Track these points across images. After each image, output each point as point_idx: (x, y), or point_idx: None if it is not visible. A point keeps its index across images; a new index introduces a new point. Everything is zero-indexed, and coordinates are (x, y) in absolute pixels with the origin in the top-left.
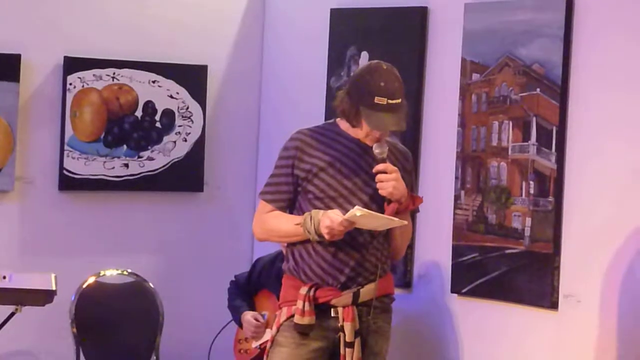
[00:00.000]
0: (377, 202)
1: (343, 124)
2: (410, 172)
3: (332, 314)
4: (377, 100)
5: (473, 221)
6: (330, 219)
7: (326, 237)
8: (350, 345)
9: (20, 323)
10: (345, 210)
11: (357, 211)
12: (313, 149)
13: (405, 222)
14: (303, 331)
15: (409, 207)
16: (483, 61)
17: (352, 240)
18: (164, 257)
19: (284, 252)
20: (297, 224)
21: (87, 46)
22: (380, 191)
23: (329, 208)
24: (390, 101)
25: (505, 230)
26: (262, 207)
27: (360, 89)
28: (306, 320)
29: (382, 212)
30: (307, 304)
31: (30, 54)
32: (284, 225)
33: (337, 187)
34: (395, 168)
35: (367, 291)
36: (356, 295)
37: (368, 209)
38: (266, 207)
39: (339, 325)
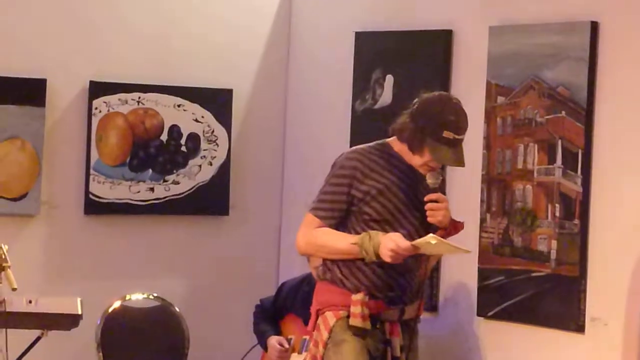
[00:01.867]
0: (425, 228)
1: (397, 146)
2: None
3: (378, 327)
4: (446, 134)
5: (499, 244)
6: (396, 243)
7: (388, 259)
8: (397, 359)
9: (46, 347)
10: (395, 231)
11: (432, 239)
12: (371, 171)
13: (470, 250)
14: (359, 334)
15: (451, 232)
16: (508, 84)
17: (413, 260)
18: (189, 281)
19: (320, 267)
20: (354, 244)
21: (113, 70)
22: (429, 219)
23: (384, 230)
24: (456, 136)
25: (531, 253)
26: (310, 222)
27: (430, 119)
28: (366, 324)
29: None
30: (364, 308)
31: (56, 79)
32: (338, 243)
33: (393, 211)
34: (446, 198)
35: (412, 309)
36: (402, 312)
37: (418, 233)
38: (315, 222)
39: (386, 337)
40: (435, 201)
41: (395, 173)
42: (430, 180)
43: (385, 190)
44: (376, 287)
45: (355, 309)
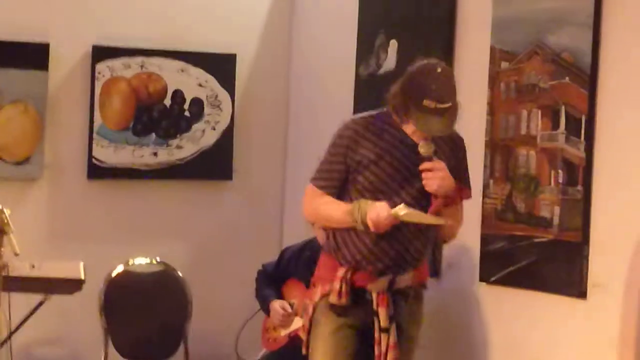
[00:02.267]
0: (426, 196)
1: (396, 115)
2: (462, 159)
3: (368, 298)
4: (426, 103)
5: (502, 210)
6: (376, 213)
7: (372, 228)
8: (385, 330)
9: (49, 311)
10: (393, 203)
11: (401, 210)
12: (365, 140)
13: (444, 222)
14: (338, 312)
15: (456, 200)
16: (512, 49)
17: (396, 231)
18: (192, 245)
19: (323, 232)
20: (346, 212)
21: (116, 35)
22: (426, 187)
23: (377, 200)
24: (439, 105)
25: (534, 219)
26: (312, 192)
27: (412, 89)
28: (342, 301)
29: (430, 204)
30: (344, 285)
31: (59, 43)
32: (334, 212)
33: (387, 180)
34: (442, 165)
35: (403, 279)
36: (392, 282)
37: (417, 202)
38: (317, 192)
39: (374, 309)
40: (431, 170)
41: (390, 142)
42: (422, 149)
43: (378, 160)
44: (364, 258)
45: (336, 285)
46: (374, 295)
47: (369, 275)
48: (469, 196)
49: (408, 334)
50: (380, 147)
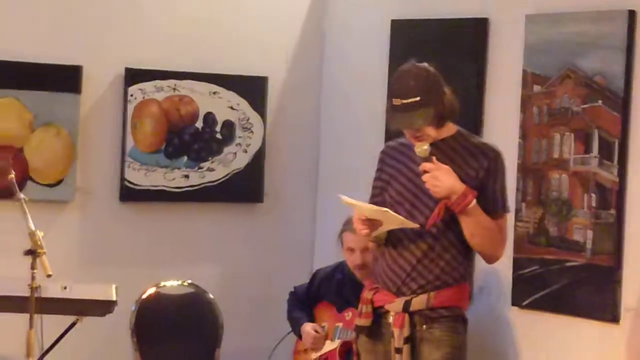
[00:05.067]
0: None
1: None
2: (491, 171)
3: (390, 320)
4: (394, 102)
5: (534, 234)
6: (354, 216)
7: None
8: (399, 351)
9: (80, 333)
10: (411, 217)
11: (377, 211)
12: (391, 159)
13: (415, 225)
14: (367, 334)
15: (461, 203)
16: (544, 73)
17: (414, 247)
18: (223, 268)
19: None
20: None
21: (148, 58)
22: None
23: (398, 213)
24: (403, 101)
25: (566, 243)
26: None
27: (387, 94)
28: (361, 322)
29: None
30: (365, 306)
31: (92, 66)
32: None
33: (404, 193)
34: (440, 166)
35: (421, 300)
36: (407, 303)
37: (432, 210)
38: None
39: (391, 330)
40: (428, 171)
41: (409, 156)
42: (417, 150)
43: (398, 175)
44: (387, 277)
45: (360, 307)
46: (392, 315)
47: (389, 295)
48: (473, 195)
49: (427, 357)
50: (401, 162)
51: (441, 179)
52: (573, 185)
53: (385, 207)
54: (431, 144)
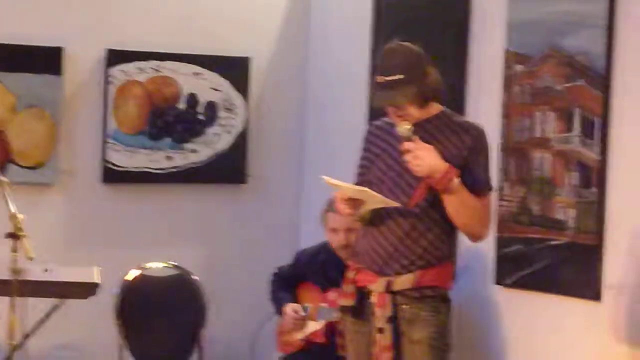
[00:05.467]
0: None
1: None
2: (474, 150)
3: (373, 300)
4: (378, 79)
5: (517, 213)
6: (337, 194)
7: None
8: (381, 330)
9: (63, 316)
10: (394, 195)
11: (357, 190)
12: (375, 137)
13: (396, 204)
14: (352, 314)
15: (443, 181)
16: (527, 52)
17: (395, 226)
18: (207, 249)
19: None
20: None
21: (130, 39)
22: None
23: (381, 192)
24: (387, 78)
25: (549, 222)
26: None
27: (372, 73)
28: (343, 301)
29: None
30: (348, 286)
31: (73, 47)
32: None
33: (387, 172)
34: (421, 145)
35: (403, 280)
36: (390, 283)
37: (414, 191)
38: None
39: (373, 310)
40: (410, 150)
41: (392, 139)
42: (398, 129)
43: (382, 154)
44: (368, 257)
45: (344, 287)
46: (375, 295)
47: (371, 275)
48: (453, 174)
49: (412, 337)
50: (385, 142)
51: (423, 158)
52: (555, 164)
53: (369, 186)
54: (415, 124)
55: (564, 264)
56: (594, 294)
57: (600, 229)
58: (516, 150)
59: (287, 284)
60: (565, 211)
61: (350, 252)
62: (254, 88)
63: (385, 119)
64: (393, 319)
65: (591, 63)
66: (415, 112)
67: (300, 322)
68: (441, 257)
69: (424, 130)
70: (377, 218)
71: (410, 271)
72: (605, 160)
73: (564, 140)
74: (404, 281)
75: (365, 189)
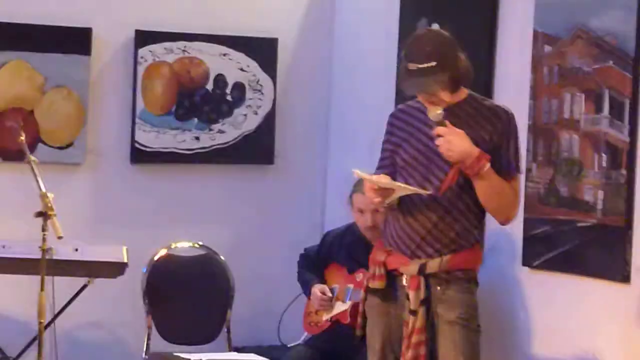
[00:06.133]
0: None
1: None
2: (505, 134)
3: (404, 282)
4: (410, 66)
5: (545, 194)
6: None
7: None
8: (414, 313)
9: (92, 295)
10: (426, 180)
11: (380, 179)
12: (401, 122)
13: (427, 192)
14: (380, 296)
15: (475, 167)
16: (555, 33)
17: (429, 211)
18: (234, 229)
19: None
20: None
21: (158, 19)
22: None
23: (411, 177)
24: (419, 66)
25: (577, 204)
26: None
27: (402, 59)
28: (375, 284)
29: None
30: (378, 268)
31: (102, 28)
32: None
33: (418, 157)
34: (453, 130)
35: (436, 263)
36: (423, 266)
37: (446, 175)
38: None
39: (406, 292)
40: (442, 135)
41: (420, 123)
42: (430, 114)
43: (410, 139)
44: (400, 240)
45: (373, 269)
46: (406, 279)
47: (403, 258)
48: (487, 159)
49: (445, 318)
50: (413, 126)
51: (455, 144)
52: (584, 146)
53: (398, 170)
54: (445, 109)
55: (591, 245)
56: (622, 277)
57: (629, 210)
58: (544, 131)
59: (314, 265)
60: (593, 193)
61: (377, 233)
62: (281, 69)
63: (410, 103)
64: (426, 301)
65: (620, 44)
66: (446, 97)
67: (328, 303)
68: (472, 240)
69: (454, 115)
70: (409, 202)
71: (442, 254)
72: (634, 142)
73: (593, 122)
74: (436, 264)
75: (399, 183)
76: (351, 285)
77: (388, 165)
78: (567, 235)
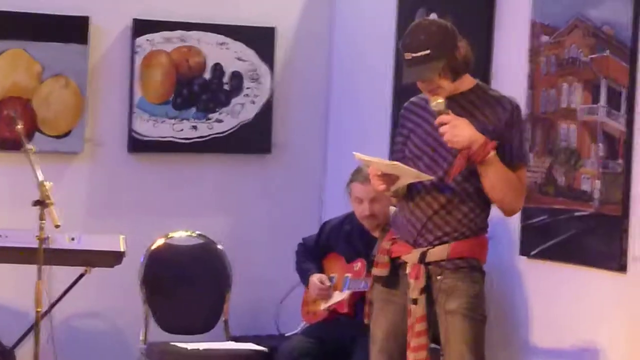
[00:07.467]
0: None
1: None
2: (509, 124)
3: (407, 271)
4: (406, 56)
5: (542, 183)
6: (369, 171)
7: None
8: (414, 301)
9: (89, 284)
10: (431, 170)
11: (381, 163)
12: (410, 113)
13: (430, 177)
14: (385, 284)
15: (481, 153)
16: (552, 23)
17: (431, 199)
18: (232, 218)
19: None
20: None
21: (156, 8)
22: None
23: (417, 168)
24: (414, 55)
25: (574, 193)
26: None
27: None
28: (378, 272)
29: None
30: (383, 256)
31: (99, 17)
32: None
33: (423, 147)
34: (455, 118)
35: (437, 252)
36: (423, 254)
37: (451, 164)
38: None
39: (408, 281)
40: (445, 123)
41: (427, 114)
42: (431, 103)
43: (416, 128)
44: (404, 228)
45: (378, 257)
46: (408, 266)
47: (406, 246)
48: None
49: (446, 308)
50: (420, 116)
51: (460, 128)
52: (581, 135)
53: (405, 162)
54: (450, 98)
55: (589, 235)
56: (619, 266)
57: (626, 200)
58: (542, 121)
59: (313, 254)
60: (590, 182)
61: (375, 222)
62: (279, 58)
63: (421, 95)
64: (426, 290)
65: (617, 34)
66: (447, 86)
67: (326, 292)
68: (475, 229)
69: (459, 105)
70: (413, 191)
71: (444, 242)
72: (631, 132)
73: (590, 111)
74: (437, 252)
75: (397, 163)
76: (349, 275)
77: (400, 158)
78: (564, 225)
